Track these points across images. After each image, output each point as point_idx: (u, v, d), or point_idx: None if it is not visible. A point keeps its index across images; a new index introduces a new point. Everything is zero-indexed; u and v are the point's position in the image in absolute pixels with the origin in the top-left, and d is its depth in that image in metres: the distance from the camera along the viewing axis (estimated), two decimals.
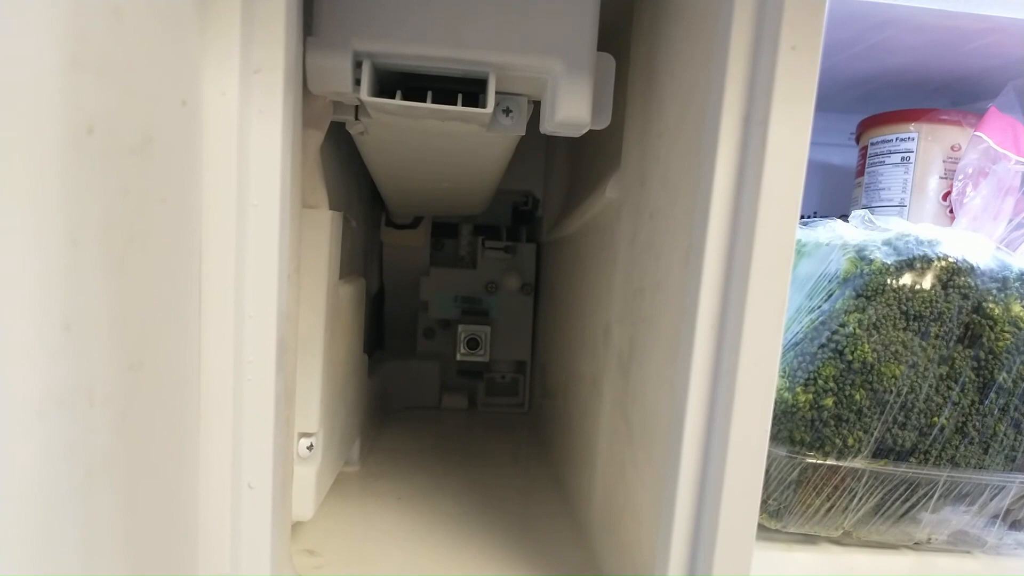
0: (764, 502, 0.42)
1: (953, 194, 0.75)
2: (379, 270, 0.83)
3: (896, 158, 0.82)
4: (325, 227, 0.43)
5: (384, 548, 0.46)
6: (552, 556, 0.46)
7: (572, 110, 0.36)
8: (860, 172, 0.86)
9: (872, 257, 0.42)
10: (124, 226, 0.22)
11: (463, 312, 0.84)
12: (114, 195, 0.22)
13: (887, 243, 0.42)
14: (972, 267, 0.41)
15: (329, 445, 0.48)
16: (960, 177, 0.74)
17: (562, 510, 0.55)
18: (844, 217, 0.94)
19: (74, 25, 0.19)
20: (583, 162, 0.61)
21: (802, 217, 1.00)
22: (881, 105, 0.86)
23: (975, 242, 0.43)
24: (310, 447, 0.43)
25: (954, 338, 0.41)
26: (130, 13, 0.22)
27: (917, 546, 0.44)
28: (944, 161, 0.79)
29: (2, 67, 0.17)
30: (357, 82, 0.35)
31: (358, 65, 0.34)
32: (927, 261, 0.41)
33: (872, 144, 0.85)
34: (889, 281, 0.41)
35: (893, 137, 0.82)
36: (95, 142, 0.20)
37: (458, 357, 0.81)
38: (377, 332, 0.87)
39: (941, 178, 0.79)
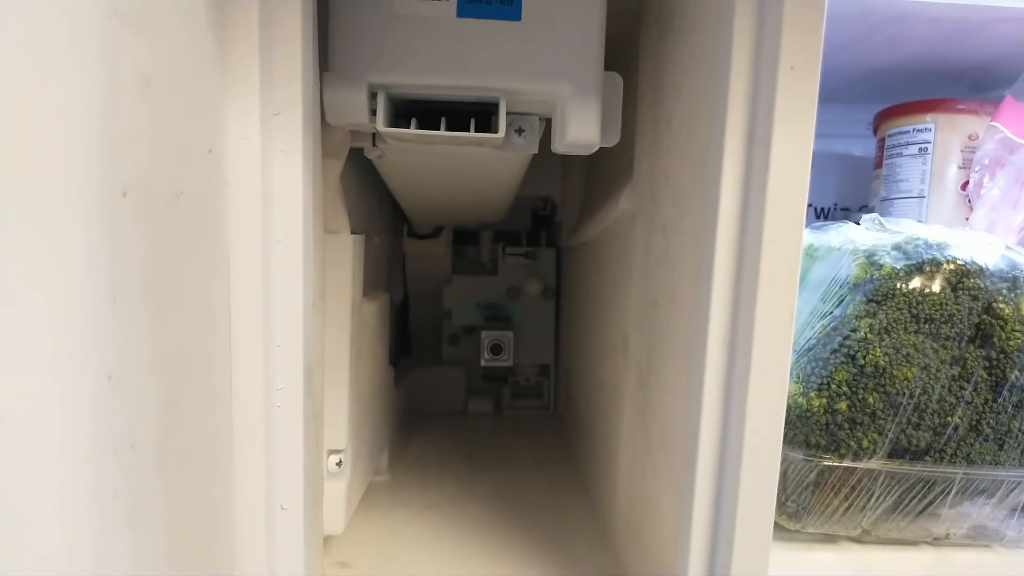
0: (783, 504, 0.43)
1: (970, 185, 0.75)
2: (403, 280, 0.84)
3: (914, 149, 0.81)
4: (348, 251, 0.44)
5: (414, 556, 0.47)
6: (578, 560, 0.48)
7: (581, 131, 0.37)
8: (878, 164, 0.86)
9: (882, 262, 0.42)
10: (159, 277, 0.24)
11: (486, 318, 0.85)
12: (149, 250, 0.23)
13: (897, 247, 0.43)
14: (981, 268, 0.42)
15: (358, 459, 0.49)
16: (977, 168, 0.74)
17: (587, 514, 0.56)
18: (865, 208, 0.94)
19: (106, 98, 0.21)
20: (598, 169, 0.62)
21: (822, 209, 1.01)
22: (900, 94, 0.86)
23: (985, 243, 0.44)
24: (339, 463, 0.45)
25: (965, 339, 0.41)
26: (158, 79, 0.24)
27: (936, 542, 0.45)
28: (962, 151, 0.79)
29: (38, 139, 0.18)
30: (373, 112, 0.36)
31: (373, 96, 0.36)
32: (936, 264, 0.42)
33: (889, 136, 0.85)
34: (899, 286, 0.41)
35: (910, 128, 0.82)
36: (129, 203, 0.22)
37: (482, 363, 0.82)
38: (403, 340, 0.89)
39: (960, 168, 0.79)
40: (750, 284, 0.31)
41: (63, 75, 0.19)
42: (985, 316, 0.42)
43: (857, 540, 0.45)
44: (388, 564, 0.46)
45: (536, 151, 0.40)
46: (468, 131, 0.36)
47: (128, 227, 0.22)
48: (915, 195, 0.80)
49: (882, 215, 0.49)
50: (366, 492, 0.56)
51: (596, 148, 0.38)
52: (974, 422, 0.42)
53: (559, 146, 0.38)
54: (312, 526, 0.35)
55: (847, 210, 0.98)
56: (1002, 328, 0.41)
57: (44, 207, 0.19)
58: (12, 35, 0.17)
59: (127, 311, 0.22)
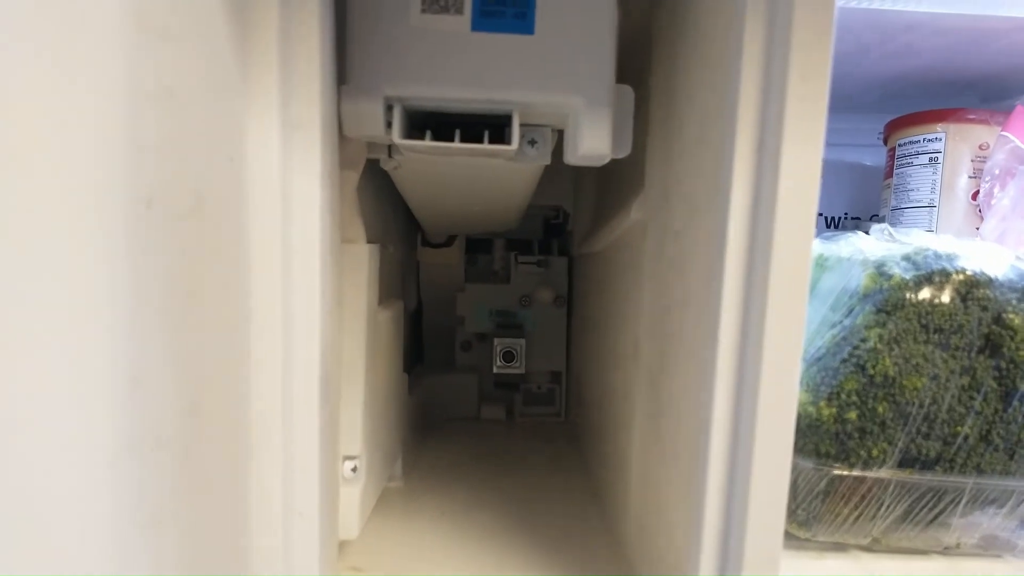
0: (793, 512, 0.43)
1: (981, 195, 0.75)
2: (417, 288, 0.85)
3: (924, 159, 0.82)
4: (364, 260, 0.45)
5: (427, 562, 0.48)
6: (590, 564, 0.48)
7: (593, 144, 0.37)
8: (889, 173, 0.86)
9: (891, 272, 0.43)
10: (182, 284, 0.25)
11: (498, 325, 0.86)
12: (172, 258, 0.24)
13: (906, 258, 0.43)
14: (991, 279, 0.42)
15: (372, 465, 0.50)
16: (987, 178, 0.74)
17: (599, 520, 0.56)
18: (875, 217, 0.94)
19: (131, 109, 0.22)
20: (610, 179, 0.62)
21: (833, 219, 1.01)
22: (910, 104, 0.86)
23: (994, 253, 0.44)
24: (354, 469, 0.45)
25: (975, 349, 0.42)
26: (182, 90, 0.24)
27: (947, 551, 0.45)
28: (972, 160, 0.79)
29: (67, 150, 0.19)
30: (389, 124, 0.37)
31: (389, 109, 0.36)
32: (945, 275, 0.42)
33: (900, 145, 0.85)
34: (908, 296, 0.42)
35: (920, 138, 0.82)
36: (154, 213, 0.23)
37: (495, 370, 0.82)
38: (416, 347, 0.89)
39: (970, 177, 0.79)
40: (760, 293, 0.31)
41: (90, 86, 0.20)
42: (994, 327, 0.42)
43: (867, 549, 0.45)
44: (402, 569, 0.46)
45: (548, 162, 0.40)
46: (482, 143, 0.37)
47: (153, 235, 0.23)
48: (925, 204, 0.81)
49: (892, 224, 0.50)
50: (380, 498, 0.57)
51: (608, 160, 0.39)
52: (984, 432, 0.42)
53: (571, 158, 0.39)
54: (328, 531, 0.35)
55: (857, 219, 0.98)
56: (1012, 338, 0.42)
57: (74, 216, 0.19)
58: (40, 47, 0.18)
59: (151, 318, 0.23)
